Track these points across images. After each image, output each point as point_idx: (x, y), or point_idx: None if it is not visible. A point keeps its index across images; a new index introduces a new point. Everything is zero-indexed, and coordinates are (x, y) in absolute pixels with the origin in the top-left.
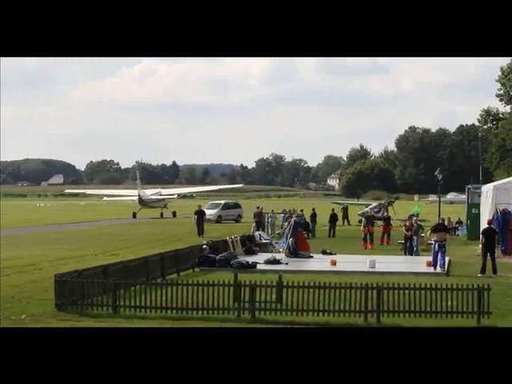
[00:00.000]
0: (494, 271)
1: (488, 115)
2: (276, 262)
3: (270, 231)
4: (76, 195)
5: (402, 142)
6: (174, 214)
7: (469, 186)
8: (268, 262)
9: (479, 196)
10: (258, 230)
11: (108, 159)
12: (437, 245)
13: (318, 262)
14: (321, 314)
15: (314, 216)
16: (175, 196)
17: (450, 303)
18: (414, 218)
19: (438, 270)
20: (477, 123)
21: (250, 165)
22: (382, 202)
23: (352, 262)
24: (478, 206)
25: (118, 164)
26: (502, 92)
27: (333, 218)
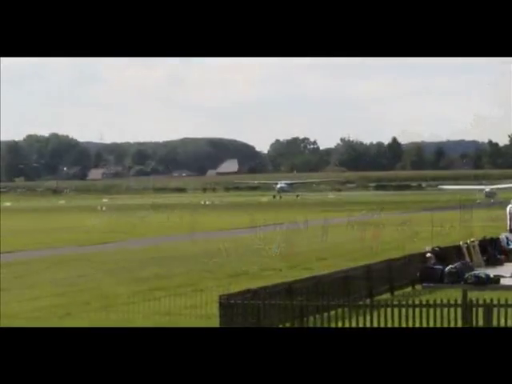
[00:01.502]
0: None
1: None
2: None
3: None
4: (255, 188)
5: None
6: None
7: None
8: None
9: None
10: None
11: (301, 137)
12: None
13: None
14: None
15: None
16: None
17: None
18: None
19: None
20: None
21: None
22: None
23: None
24: None
25: (315, 143)
26: None
27: None
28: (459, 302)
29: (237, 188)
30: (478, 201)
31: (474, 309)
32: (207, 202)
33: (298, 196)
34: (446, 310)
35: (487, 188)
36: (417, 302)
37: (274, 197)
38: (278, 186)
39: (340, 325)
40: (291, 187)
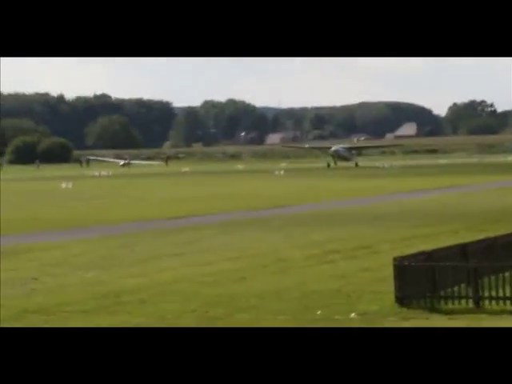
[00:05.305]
0: None
1: None
2: None
3: None
4: (434, 151)
5: None
6: None
7: None
8: None
9: None
10: None
11: (478, 100)
12: None
13: None
14: None
15: None
16: None
17: None
18: None
19: None
20: None
21: None
22: None
23: None
24: None
25: (492, 106)
26: None
27: None
28: None
29: (415, 151)
30: None
31: None
32: (385, 165)
33: (356, 165)
34: None
35: None
36: None
37: (329, 165)
38: (332, 149)
39: None
40: (349, 152)
